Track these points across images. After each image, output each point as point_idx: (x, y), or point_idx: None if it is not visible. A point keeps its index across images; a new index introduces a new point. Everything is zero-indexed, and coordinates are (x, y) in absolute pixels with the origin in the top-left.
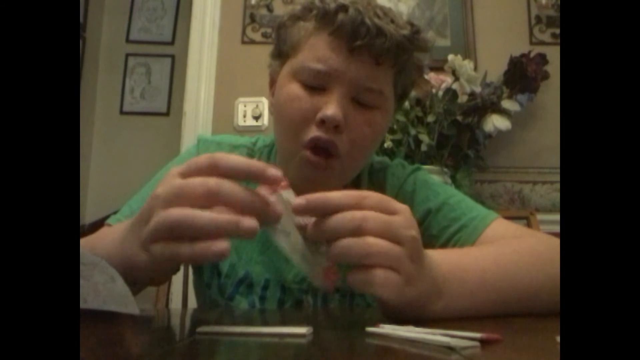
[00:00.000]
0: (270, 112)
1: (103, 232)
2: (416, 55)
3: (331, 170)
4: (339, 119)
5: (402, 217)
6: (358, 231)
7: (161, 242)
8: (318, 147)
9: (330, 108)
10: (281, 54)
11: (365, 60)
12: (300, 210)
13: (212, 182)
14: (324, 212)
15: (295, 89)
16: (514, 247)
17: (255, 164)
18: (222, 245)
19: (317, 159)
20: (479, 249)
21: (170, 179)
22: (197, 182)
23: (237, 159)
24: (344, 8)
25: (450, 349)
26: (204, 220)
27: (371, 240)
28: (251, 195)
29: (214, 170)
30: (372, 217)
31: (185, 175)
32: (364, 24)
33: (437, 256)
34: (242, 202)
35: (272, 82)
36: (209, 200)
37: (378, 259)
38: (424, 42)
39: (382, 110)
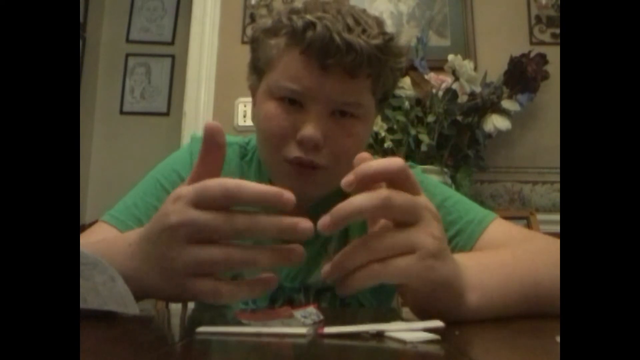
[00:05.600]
0: (253, 122)
1: (109, 241)
2: (392, 61)
3: (315, 180)
4: (317, 139)
5: (423, 197)
6: (383, 204)
7: (197, 279)
8: (299, 163)
9: (309, 129)
10: (257, 70)
11: (339, 75)
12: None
13: (230, 222)
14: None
15: (272, 107)
16: (523, 247)
17: (270, 190)
18: (269, 279)
19: (301, 169)
20: (492, 252)
21: (181, 208)
22: (217, 221)
23: (251, 187)
24: (311, 25)
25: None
26: (242, 259)
27: (376, 243)
28: (270, 222)
29: (227, 199)
30: (397, 193)
31: (197, 204)
32: (333, 41)
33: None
34: (262, 233)
35: (253, 95)
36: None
37: (393, 248)
38: (397, 49)
39: (362, 119)
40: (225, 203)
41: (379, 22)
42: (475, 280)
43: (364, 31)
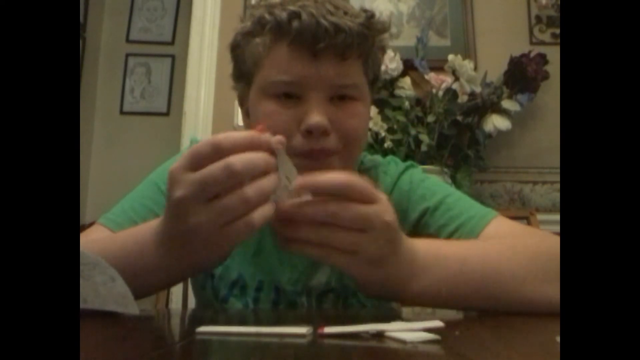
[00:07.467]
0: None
1: (105, 241)
2: (378, 38)
3: (330, 166)
4: (324, 124)
5: (378, 205)
6: (331, 218)
7: (229, 226)
8: (311, 153)
9: (313, 116)
10: (244, 75)
11: (330, 59)
12: (297, 190)
13: (234, 164)
14: (316, 192)
15: (269, 105)
16: (501, 243)
17: (255, 135)
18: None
19: (314, 158)
20: (465, 242)
21: (182, 177)
22: (218, 169)
23: (237, 135)
24: (296, 15)
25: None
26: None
27: (326, 232)
28: (264, 159)
29: (218, 153)
30: (345, 208)
31: (193, 168)
32: (321, 26)
33: (418, 243)
34: (260, 169)
35: (242, 104)
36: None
37: (335, 244)
38: (381, 24)
39: (360, 100)
40: (218, 156)
41: (356, 7)
42: (424, 271)
43: (345, 13)
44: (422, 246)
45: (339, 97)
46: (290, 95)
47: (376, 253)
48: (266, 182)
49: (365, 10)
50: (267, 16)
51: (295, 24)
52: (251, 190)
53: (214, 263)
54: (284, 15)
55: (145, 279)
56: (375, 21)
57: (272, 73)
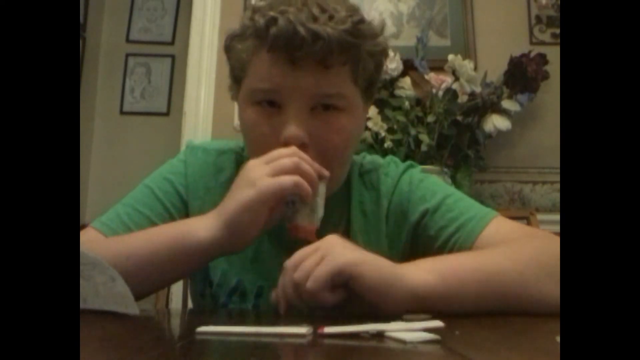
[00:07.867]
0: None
1: (151, 231)
2: (367, 44)
3: None
4: (301, 137)
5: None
6: (294, 280)
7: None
8: None
9: (290, 128)
10: (235, 79)
11: (311, 67)
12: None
13: (298, 150)
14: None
15: (252, 114)
16: (504, 247)
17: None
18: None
19: None
20: (465, 252)
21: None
22: (286, 149)
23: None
24: (273, 21)
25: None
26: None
27: (296, 274)
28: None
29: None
30: (292, 265)
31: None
32: (297, 33)
33: (411, 263)
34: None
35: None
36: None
37: (307, 270)
38: (370, 31)
39: (347, 111)
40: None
41: (350, 7)
42: (424, 265)
43: (330, 18)
44: (416, 262)
45: (324, 107)
46: (272, 103)
47: (341, 249)
48: (312, 172)
49: (352, 15)
50: (247, 22)
51: (272, 30)
52: (303, 162)
53: (258, 222)
54: (262, 21)
55: (197, 258)
56: (364, 27)
57: (254, 80)
